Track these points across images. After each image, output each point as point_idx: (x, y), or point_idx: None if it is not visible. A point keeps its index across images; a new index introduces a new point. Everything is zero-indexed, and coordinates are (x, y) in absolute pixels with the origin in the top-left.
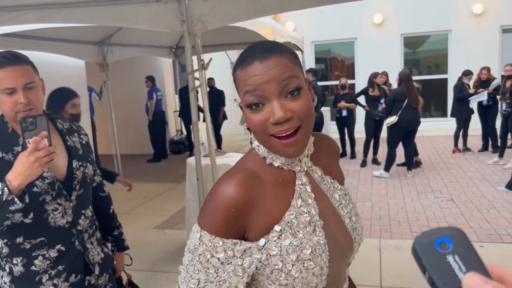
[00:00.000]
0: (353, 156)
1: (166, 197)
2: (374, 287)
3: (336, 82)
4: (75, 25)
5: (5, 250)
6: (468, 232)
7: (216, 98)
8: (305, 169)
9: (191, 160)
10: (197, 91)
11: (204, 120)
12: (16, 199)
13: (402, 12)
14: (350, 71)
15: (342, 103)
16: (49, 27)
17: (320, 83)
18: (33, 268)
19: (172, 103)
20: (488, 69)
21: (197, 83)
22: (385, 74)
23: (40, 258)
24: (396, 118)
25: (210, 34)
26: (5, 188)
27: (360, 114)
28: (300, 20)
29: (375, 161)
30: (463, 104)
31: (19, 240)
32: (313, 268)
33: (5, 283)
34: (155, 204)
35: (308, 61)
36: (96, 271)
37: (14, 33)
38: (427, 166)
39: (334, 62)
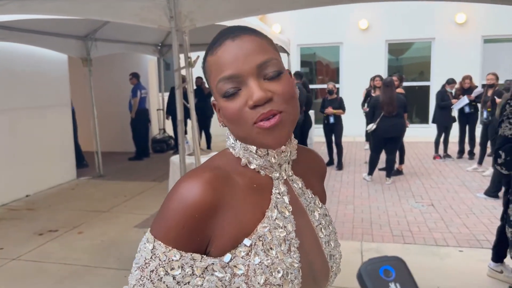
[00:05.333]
0: (339, 167)
1: (147, 196)
2: None
3: (321, 86)
4: (59, 17)
5: None
6: (448, 237)
7: (204, 97)
8: (285, 177)
9: (175, 159)
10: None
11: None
12: None
13: (388, 19)
14: (334, 76)
15: (329, 109)
16: (32, 18)
17: None
18: None
19: (155, 101)
20: (470, 78)
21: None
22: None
23: None
24: (374, 126)
25: (197, 32)
26: None
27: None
28: (286, 23)
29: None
30: (445, 112)
31: None
32: None
33: None
34: (136, 203)
35: (294, 64)
36: None
37: None
38: (408, 171)
39: (319, 66)
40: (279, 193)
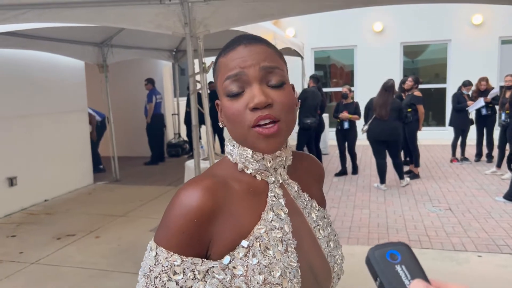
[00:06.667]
0: (354, 171)
1: (163, 200)
2: None
3: (335, 89)
4: (76, 25)
5: None
6: (466, 242)
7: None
8: (280, 181)
9: (190, 163)
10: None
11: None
12: None
13: (402, 21)
14: (349, 79)
15: (344, 114)
16: (49, 26)
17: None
18: None
19: (170, 106)
20: (487, 80)
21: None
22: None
23: None
24: (366, 127)
25: (212, 38)
26: None
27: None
28: (300, 26)
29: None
30: (461, 114)
31: None
32: None
33: None
34: (152, 207)
35: (308, 68)
36: None
37: (13, 32)
38: (425, 175)
39: (333, 69)
40: (274, 196)
